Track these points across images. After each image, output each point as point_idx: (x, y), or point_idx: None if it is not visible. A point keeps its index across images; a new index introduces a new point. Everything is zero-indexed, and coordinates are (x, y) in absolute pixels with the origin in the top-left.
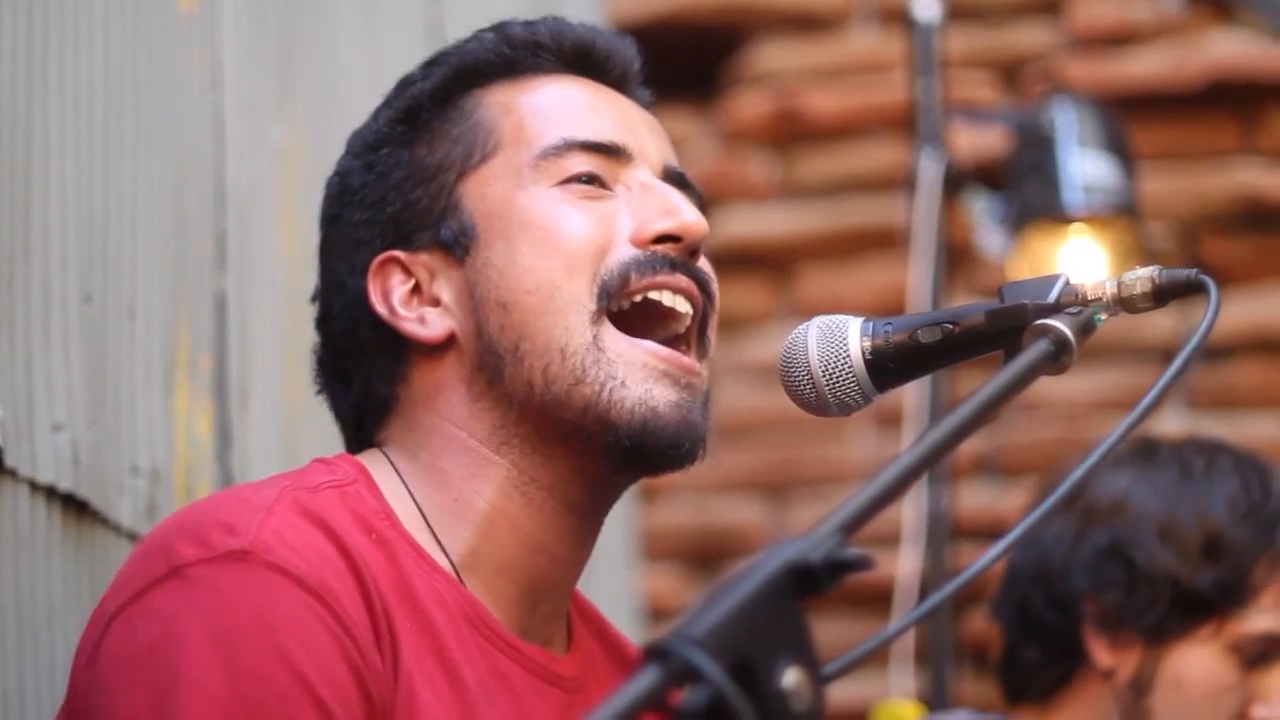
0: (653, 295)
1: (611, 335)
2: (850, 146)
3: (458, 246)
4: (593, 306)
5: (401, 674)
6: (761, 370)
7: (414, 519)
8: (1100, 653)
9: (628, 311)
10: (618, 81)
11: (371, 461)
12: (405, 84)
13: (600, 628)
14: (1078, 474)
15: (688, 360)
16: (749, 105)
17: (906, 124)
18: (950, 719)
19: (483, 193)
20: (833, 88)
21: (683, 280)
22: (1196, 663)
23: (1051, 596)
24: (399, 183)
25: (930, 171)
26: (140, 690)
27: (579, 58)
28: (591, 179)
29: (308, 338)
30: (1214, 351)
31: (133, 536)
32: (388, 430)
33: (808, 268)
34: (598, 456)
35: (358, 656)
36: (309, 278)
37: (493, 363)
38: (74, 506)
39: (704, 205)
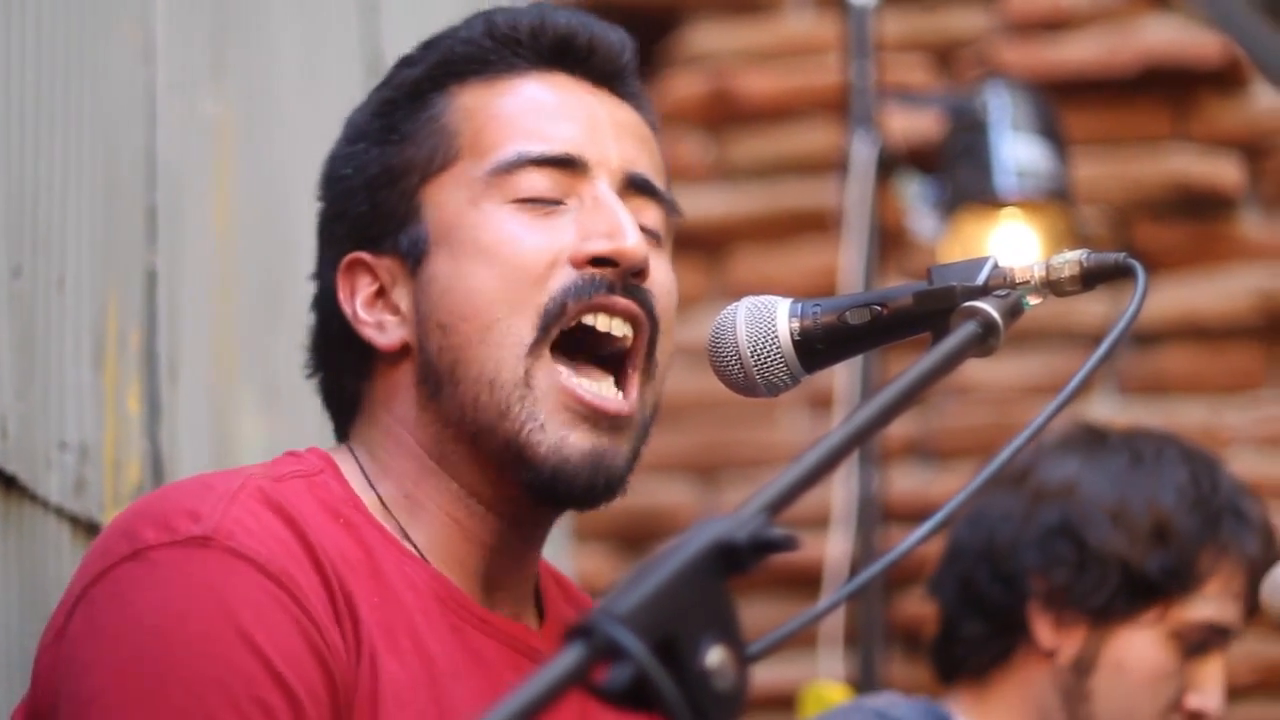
0: (587, 320)
1: (545, 371)
2: (784, 129)
3: (411, 257)
4: (531, 339)
5: (365, 652)
6: (693, 352)
7: (379, 510)
8: (1044, 631)
9: (569, 332)
10: (602, 77)
11: (339, 455)
12: (401, 66)
13: (577, 600)
14: (1005, 455)
15: (615, 404)
16: (683, 86)
17: (840, 107)
18: (878, 701)
19: (440, 201)
20: (767, 70)
21: (620, 302)
22: (1139, 647)
23: (998, 572)
24: (370, 181)
25: (864, 154)
26: (105, 670)
27: (560, 53)
28: (545, 200)
29: (237, 313)
30: (1145, 337)
31: (60, 511)
32: (355, 425)
33: (740, 249)
34: (517, 487)
35: (318, 637)
36: (240, 254)
37: (433, 380)
38: (1, 481)
39: (675, 208)
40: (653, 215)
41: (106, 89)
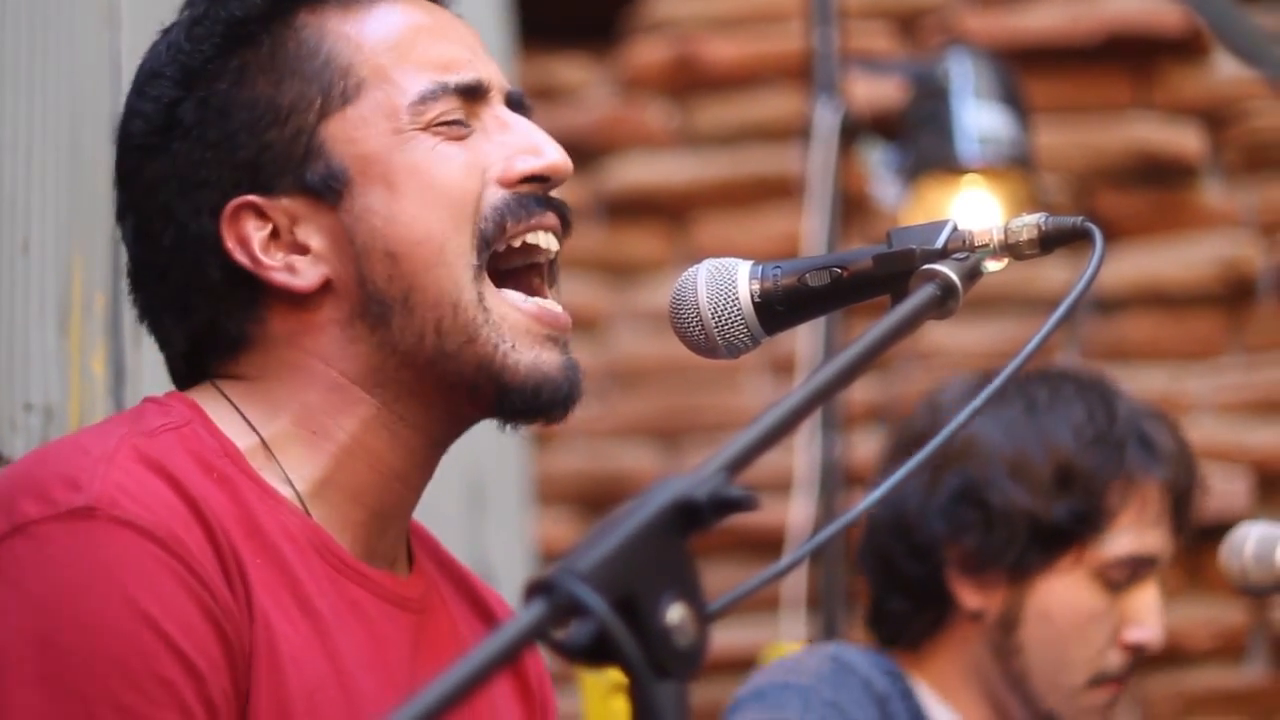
0: (529, 239)
1: (492, 295)
2: (747, 95)
3: (329, 192)
4: (475, 261)
5: (256, 612)
6: (656, 317)
7: (257, 452)
8: (966, 595)
9: (503, 264)
10: None
11: (204, 397)
12: (216, 3)
13: (434, 549)
14: (956, 422)
15: (564, 317)
16: (647, 52)
17: (804, 73)
18: (833, 648)
19: (351, 136)
20: (731, 36)
21: (551, 218)
22: (1062, 593)
23: (912, 546)
24: (248, 124)
25: (827, 121)
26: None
27: None
28: (459, 123)
29: None
30: (1106, 304)
31: None
32: (234, 365)
33: (704, 215)
34: (481, 408)
35: (212, 602)
36: None
37: (378, 310)
38: None
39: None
40: None
41: (71, 53)
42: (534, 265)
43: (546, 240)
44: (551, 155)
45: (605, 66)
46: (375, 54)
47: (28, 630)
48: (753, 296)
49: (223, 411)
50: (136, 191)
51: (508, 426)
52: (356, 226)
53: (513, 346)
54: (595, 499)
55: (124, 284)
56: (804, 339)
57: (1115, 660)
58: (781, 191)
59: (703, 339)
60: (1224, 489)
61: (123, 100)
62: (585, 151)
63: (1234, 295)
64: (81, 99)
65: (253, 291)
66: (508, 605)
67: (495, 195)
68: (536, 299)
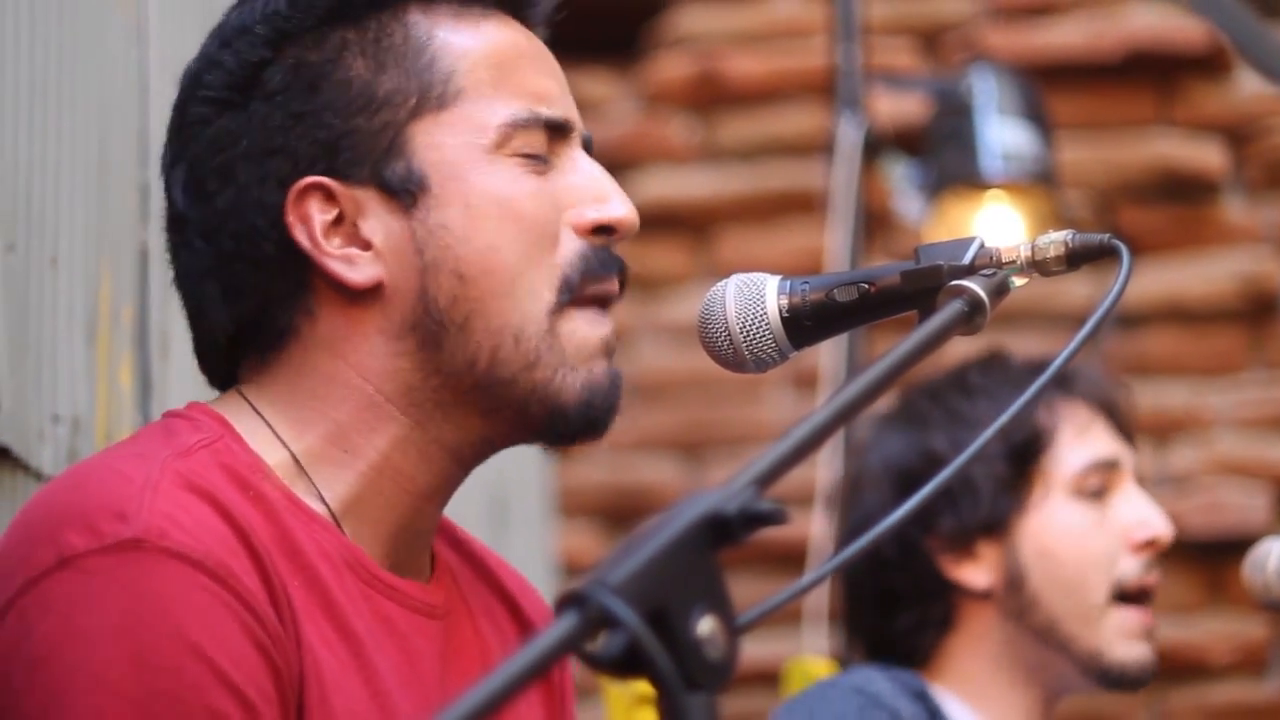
0: (601, 292)
1: (567, 318)
2: (771, 110)
3: (404, 193)
4: (552, 299)
5: (303, 639)
6: (679, 331)
7: (287, 467)
8: (967, 575)
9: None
10: (536, 21)
11: (231, 409)
12: None
13: (451, 534)
14: (985, 437)
15: (613, 329)
16: (670, 68)
17: (827, 89)
18: (856, 677)
19: (437, 143)
20: (754, 52)
21: (615, 284)
22: (1048, 523)
23: (897, 560)
24: (337, 104)
25: (850, 136)
26: (43, 691)
27: None
28: (541, 157)
29: None
30: (1128, 319)
31: None
32: (269, 366)
33: (727, 230)
34: (522, 434)
35: (263, 634)
36: None
37: (433, 329)
38: None
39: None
40: None
41: (99, 70)
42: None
43: (604, 300)
44: (622, 210)
45: (628, 81)
46: (478, 67)
47: (79, 666)
48: (781, 312)
49: (251, 424)
50: (198, 144)
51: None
52: (428, 239)
53: (571, 368)
54: (618, 512)
55: (151, 297)
56: (827, 354)
57: (1130, 567)
58: (804, 207)
59: (731, 354)
60: (1245, 504)
61: (151, 115)
62: (608, 166)
63: (1255, 311)
64: (109, 115)
65: (304, 277)
66: (530, 590)
67: (573, 242)
68: (606, 320)
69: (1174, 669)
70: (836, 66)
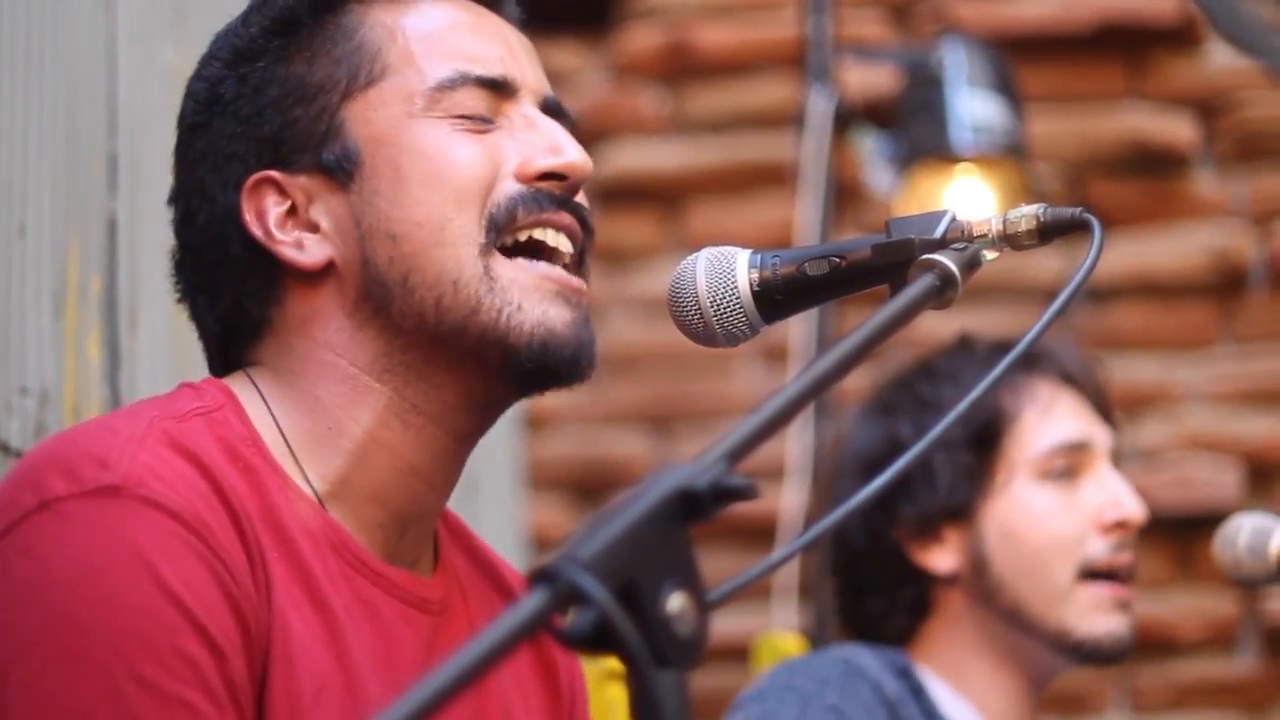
0: (537, 234)
1: (501, 264)
2: (741, 82)
3: (340, 172)
4: (482, 240)
5: (275, 603)
6: (649, 304)
7: (279, 446)
8: (933, 560)
9: (511, 248)
10: (492, 1)
11: (238, 386)
12: None
13: (468, 543)
14: (953, 415)
15: (575, 280)
16: (640, 39)
17: (797, 61)
18: (844, 650)
19: (368, 118)
20: (724, 23)
21: (566, 218)
22: (1011, 506)
23: (866, 548)
24: (276, 100)
25: (820, 108)
26: (22, 630)
27: None
28: (480, 117)
29: None
30: (1099, 293)
31: (20, 455)
32: (258, 353)
33: (697, 202)
34: (492, 380)
35: (234, 587)
36: None
37: (379, 293)
38: None
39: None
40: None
41: (67, 37)
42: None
43: (556, 239)
44: (571, 154)
45: (598, 53)
46: (407, 42)
47: (52, 606)
48: (752, 285)
49: (252, 401)
50: (183, 170)
51: (523, 396)
52: (363, 209)
53: (518, 307)
54: (587, 485)
55: (120, 268)
56: (797, 328)
57: (1099, 548)
58: (775, 179)
59: (701, 328)
60: (1215, 479)
61: (119, 84)
62: (578, 138)
63: (1226, 285)
64: (77, 83)
65: (270, 270)
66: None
67: (510, 186)
68: (543, 263)
69: (1144, 645)
70: (807, 38)
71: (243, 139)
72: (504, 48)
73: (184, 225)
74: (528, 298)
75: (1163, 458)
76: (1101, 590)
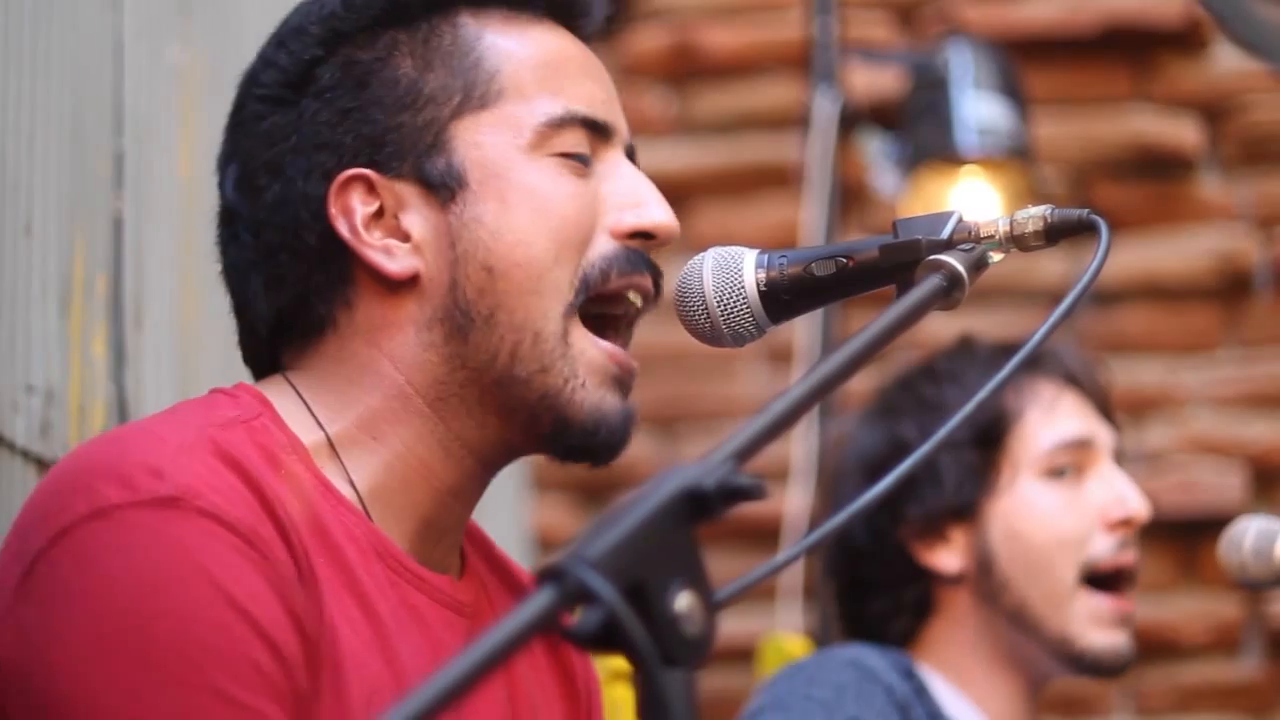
0: (626, 293)
1: (578, 332)
2: (746, 83)
3: (444, 189)
4: (570, 298)
5: (325, 614)
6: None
7: (321, 450)
8: (938, 560)
9: (592, 317)
10: (589, 33)
11: (274, 390)
12: None
13: (487, 549)
14: (962, 414)
15: (633, 363)
16: (646, 40)
17: (803, 62)
18: (849, 651)
19: (478, 140)
20: (730, 24)
21: (648, 282)
22: (1015, 504)
23: (870, 548)
24: (384, 100)
25: (825, 110)
26: (85, 642)
27: (567, 4)
28: (582, 157)
29: (203, 260)
30: (1103, 296)
31: (26, 454)
32: (309, 353)
33: (702, 203)
34: (534, 438)
35: (291, 599)
36: (205, 200)
37: (459, 321)
38: None
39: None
40: None
41: (74, 36)
42: (614, 316)
43: (636, 299)
44: (661, 216)
45: (604, 54)
46: (522, 69)
47: (116, 615)
48: (759, 285)
49: (290, 406)
50: (251, 140)
51: (556, 459)
52: (462, 232)
53: (583, 384)
54: (592, 486)
55: (125, 266)
56: (802, 329)
57: (1104, 546)
58: (780, 180)
59: (708, 327)
60: (1220, 482)
61: (125, 83)
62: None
63: (1230, 288)
64: (84, 83)
65: (344, 269)
66: None
67: (606, 244)
68: (608, 342)
69: (1148, 648)
70: (812, 39)
71: (340, 130)
72: (606, 90)
73: (242, 195)
74: (592, 376)
75: (1167, 460)
76: (1103, 603)
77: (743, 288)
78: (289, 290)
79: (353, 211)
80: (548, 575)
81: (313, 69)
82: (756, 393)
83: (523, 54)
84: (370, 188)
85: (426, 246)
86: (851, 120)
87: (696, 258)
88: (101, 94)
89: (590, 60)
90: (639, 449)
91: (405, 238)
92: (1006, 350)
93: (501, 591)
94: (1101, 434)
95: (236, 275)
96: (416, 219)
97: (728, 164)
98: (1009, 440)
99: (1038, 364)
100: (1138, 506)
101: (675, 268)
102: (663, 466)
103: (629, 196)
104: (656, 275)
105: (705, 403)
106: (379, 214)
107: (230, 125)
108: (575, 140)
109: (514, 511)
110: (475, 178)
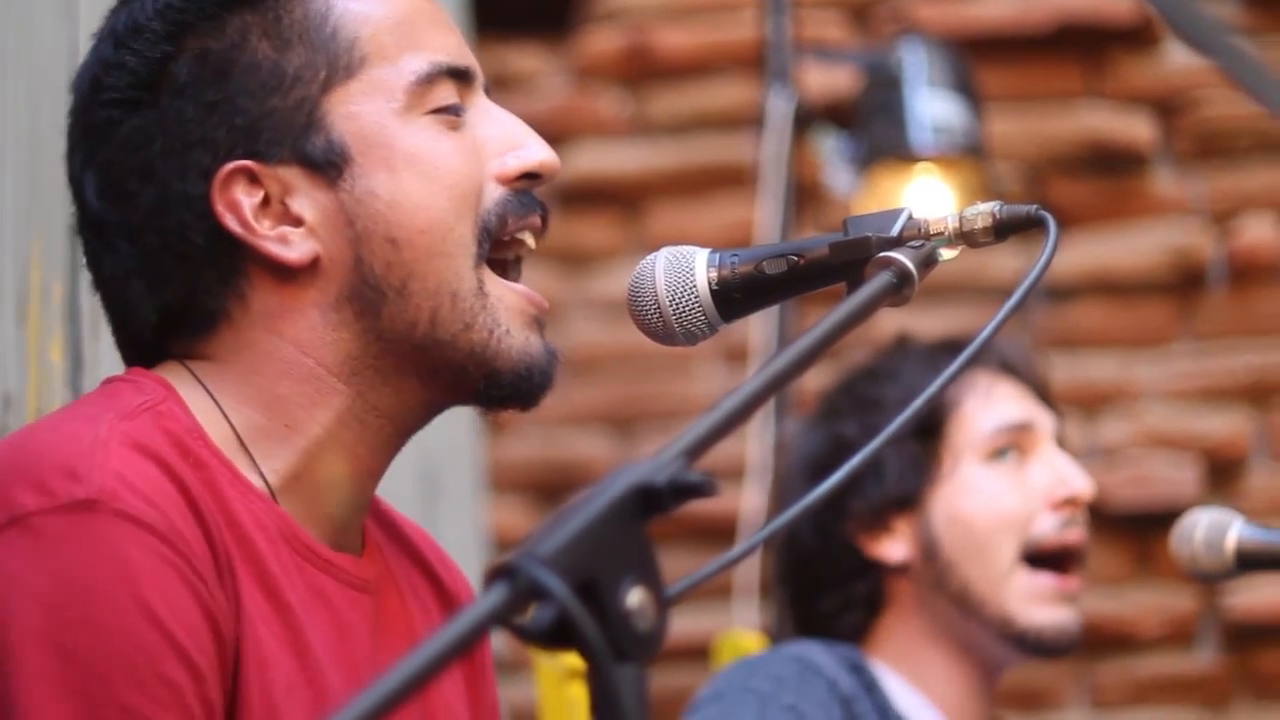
0: (519, 236)
1: (491, 280)
2: (701, 84)
3: (329, 167)
4: (475, 250)
5: (243, 611)
6: (610, 305)
7: (227, 439)
8: (884, 550)
9: (492, 262)
10: None
11: (175, 377)
12: None
13: (376, 509)
14: (911, 409)
15: (544, 301)
16: (600, 41)
17: (757, 62)
18: (796, 648)
19: (352, 111)
20: (684, 25)
21: (538, 220)
22: (956, 489)
23: (816, 546)
24: (249, 88)
25: (780, 110)
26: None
27: None
28: (454, 108)
29: None
30: (1057, 292)
31: None
32: (206, 345)
33: (657, 204)
34: (460, 393)
35: (210, 602)
36: None
37: (370, 297)
38: None
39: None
40: None
41: (29, 45)
42: (508, 260)
43: (529, 239)
44: (542, 153)
45: (559, 55)
46: (380, 30)
47: (31, 627)
48: (710, 284)
49: (193, 393)
50: (109, 146)
51: (482, 412)
52: (357, 209)
53: (506, 330)
54: (549, 486)
55: (83, 273)
56: (757, 327)
57: (1047, 525)
58: (735, 180)
59: (660, 326)
60: (1174, 476)
61: None
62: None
63: (1184, 283)
64: (39, 90)
65: (235, 262)
66: (449, 561)
67: (495, 190)
68: (520, 284)
69: (1102, 641)
70: (766, 39)
71: (209, 125)
72: (456, 35)
73: (110, 204)
74: (514, 321)
75: (1121, 455)
76: (1044, 580)
77: (694, 286)
78: (174, 290)
79: (239, 205)
80: (500, 573)
81: (165, 66)
82: (713, 391)
83: (377, 15)
84: (253, 178)
85: (322, 228)
86: (806, 119)
87: (649, 257)
88: (57, 102)
89: (437, 8)
90: (595, 448)
91: (298, 222)
92: (943, 346)
93: (399, 557)
94: (1041, 418)
95: (115, 284)
96: (306, 202)
97: (683, 164)
98: (948, 429)
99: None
100: (1081, 485)
101: (629, 269)
102: (619, 466)
103: (507, 140)
104: (544, 212)
105: (662, 402)
106: (266, 203)
107: (77, 133)
108: (446, 93)
109: (471, 512)
110: (358, 150)
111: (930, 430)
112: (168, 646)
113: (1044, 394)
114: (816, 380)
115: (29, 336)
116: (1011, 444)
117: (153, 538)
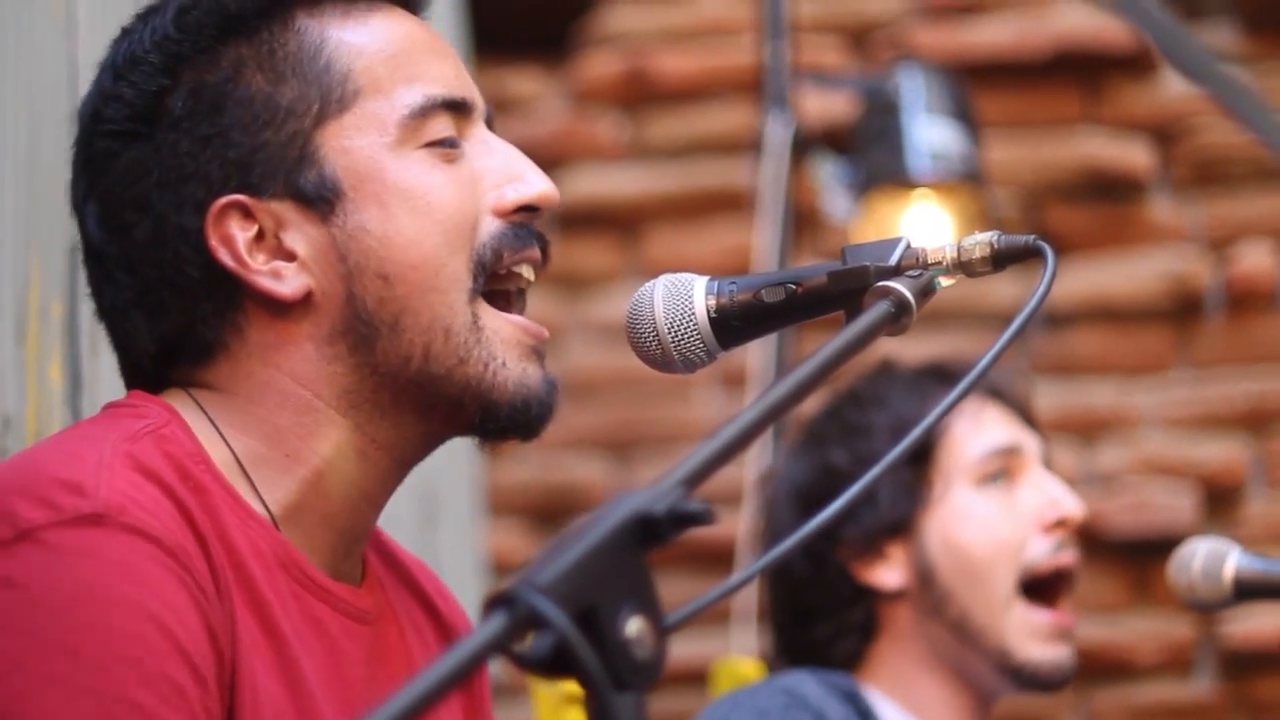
0: (517, 269)
1: (487, 313)
2: (699, 109)
3: (321, 201)
4: (470, 284)
5: (237, 630)
6: (608, 330)
7: (229, 466)
8: (878, 577)
9: (488, 294)
10: (423, 7)
11: (179, 403)
12: None
13: (379, 544)
14: (912, 437)
15: (543, 331)
16: (599, 65)
17: (755, 87)
18: (787, 679)
19: (345, 146)
20: (682, 50)
21: (537, 253)
22: (950, 514)
23: (809, 574)
24: (242, 121)
25: (778, 135)
26: (4, 660)
27: None
28: (450, 141)
29: None
30: (1056, 319)
31: None
32: (204, 375)
33: (655, 228)
34: (459, 426)
35: (211, 616)
36: None
37: (363, 331)
38: None
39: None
40: None
41: (28, 63)
42: (508, 291)
43: (527, 271)
44: (541, 186)
45: (557, 79)
46: (375, 63)
47: (40, 635)
48: (709, 312)
49: (196, 419)
50: (107, 178)
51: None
52: (349, 244)
53: (502, 363)
54: (547, 511)
55: (81, 292)
56: (755, 353)
57: (1041, 549)
58: (732, 205)
59: (659, 354)
60: (1171, 503)
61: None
62: (537, 163)
63: (1182, 310)
64: (39, 108)
65: (231, 295)
66: (447, 593)
67: (492, 224)
68: (517, 316)
69: (1100, 669)
70: (764, 65)
71: (203, 159)
72: (456, 65)
73: (109, 235)
74: (510, 353)
75: (1119, 482)
76: (1040, 617)
77: (693, 314)
78: (172, 321)
79: (233, 239)
80: (499, 601)
81: (161, 99)
82: (711, 417)
83: (371, 47)
84: (246, 212)
85: (314, 262)
86: (804, 145)
87: (647, 285)
88: (57, 122)
89: (434, 38)
90: (594, 473)
91: (291, 257)
92: (928, 372)
93: (397, 587)
94: (1029, 442)
95: (116, 314)
96: (299, 236)
97: (680, 189)
98: (938, 453)
99: (956, 381)
100: (1072, 507)
101: (627, 294)
102: (617, 491)
103: (505, 172)
104: (544, 245)
105: (660, 427)
106: (260, 237)
107: (79, 163)
108: (441, 125)
109: (469, 537)
110: (350, 185)
111: (921, 455)
112: (175, 651)
113: (1029, 417)
114: (814, 407)
115: (28, 356)
116: (1002, 468)
117: (160, 550)
